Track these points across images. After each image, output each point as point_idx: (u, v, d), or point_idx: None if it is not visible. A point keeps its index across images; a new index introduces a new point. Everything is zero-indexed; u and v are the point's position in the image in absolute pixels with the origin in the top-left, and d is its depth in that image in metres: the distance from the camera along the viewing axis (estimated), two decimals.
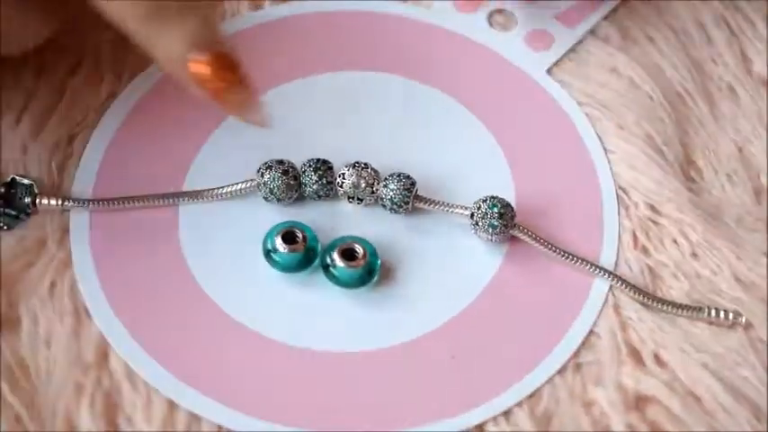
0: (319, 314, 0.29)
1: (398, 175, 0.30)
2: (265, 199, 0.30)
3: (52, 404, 0.26)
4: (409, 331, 0.29)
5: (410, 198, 0.30)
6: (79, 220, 0.30)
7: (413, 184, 0.30)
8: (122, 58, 0.34)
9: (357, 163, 0.30)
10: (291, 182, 0.30)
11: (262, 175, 0.30)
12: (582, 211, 0.31)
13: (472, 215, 0.30)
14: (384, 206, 0.30)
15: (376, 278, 0.29)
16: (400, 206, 0.30)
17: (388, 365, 0.28)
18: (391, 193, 0.30)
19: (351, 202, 0.30)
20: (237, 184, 0.30)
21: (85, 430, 0.26)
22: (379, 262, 0.29)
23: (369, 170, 0.30)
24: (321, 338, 0.28)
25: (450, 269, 0.30)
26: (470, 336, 0.28)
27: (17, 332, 0.28)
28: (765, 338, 0.29)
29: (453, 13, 0.36)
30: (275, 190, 0.30)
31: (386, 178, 0.30)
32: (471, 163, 0.32)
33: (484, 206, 0.29)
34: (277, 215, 0.30)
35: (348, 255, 0.29)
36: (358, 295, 0.29)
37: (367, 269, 0.29)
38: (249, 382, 0.27)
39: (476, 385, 0.28)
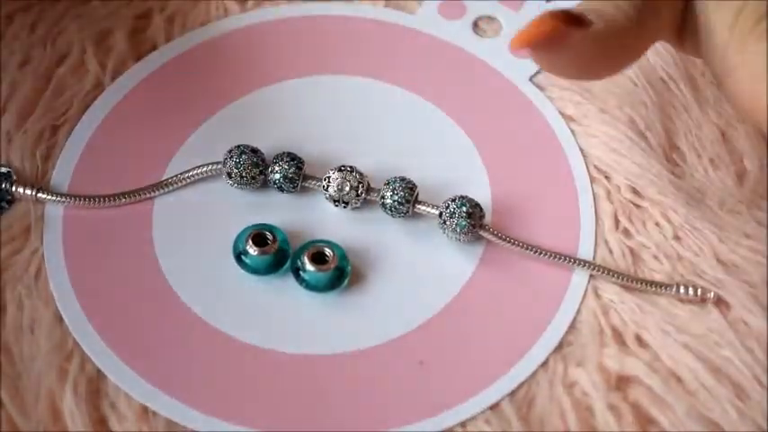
0: (291, 317, 0.29)
1: (401, 180, 0.30)
2: (228, 176, 0.30)
3: (36, 389, 0.27)
4: (380, 334, 0.28)
5: (411, 201, 0.30)
6: (54, 216, 0.30)
7: (411, 188, 0.30)
8: (108, 50, 0.34)
9: (343, 166, 0.30)
10: (255, 168, 0.30)
11: (224, 162, 0.30)
12: (558, 211, 0.31)
13: (441, 214, 0.29)
14: (385, 211, 0.30)
15: (347, 282, 0.29)
16: (399, 211, 0.30)
17: (358, 369, 0.28)
18: (396, 197, 0.29)
19: (336, 205, 0.30)
20: (201, 167, 0.30)
21: (69, 415, 0.26)
22: (349, 266, 0.29)
23: (354, 173, 0.30)
24: (292, 341, 0.28)
25: (423, 273, 0.30)
26: (445, 338, 0.28)
27: (2, 318, 0.28)
28: (746, 319, 0.29)
29: (438, 20, 0.36)
30: (235, 175, 0.30)
31: (387, 182, 0.30)
32: (449, 168, 0.32)
33: (452, 205, 0.29)
34: (251, 216, 0.30)
35: (318, 258, 0.29)
36: (329, 298, 0.29)
37: (337, 273, 0.29)
38: (220, 385, 0.27)
39: (451, 386, 0.27)
